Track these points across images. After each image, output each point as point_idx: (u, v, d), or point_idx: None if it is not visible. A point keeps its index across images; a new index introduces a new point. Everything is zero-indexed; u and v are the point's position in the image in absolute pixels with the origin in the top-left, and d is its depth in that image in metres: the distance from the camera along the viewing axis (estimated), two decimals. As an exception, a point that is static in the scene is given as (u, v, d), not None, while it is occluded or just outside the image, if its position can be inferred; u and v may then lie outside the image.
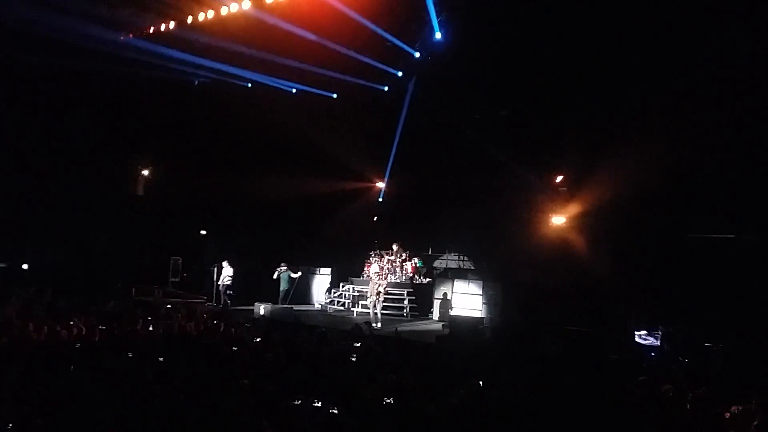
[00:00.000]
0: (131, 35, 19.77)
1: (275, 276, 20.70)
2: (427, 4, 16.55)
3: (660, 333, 13.74)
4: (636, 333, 14.14)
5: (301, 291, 22.05)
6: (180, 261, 23.40)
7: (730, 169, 14.07)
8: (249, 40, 18.39)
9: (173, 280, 22.89)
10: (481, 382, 8.93)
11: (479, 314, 17.69)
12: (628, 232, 15.23)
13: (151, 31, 19.38)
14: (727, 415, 7.75)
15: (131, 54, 19.76)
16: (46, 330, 11.03)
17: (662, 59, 14.21)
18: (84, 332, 11.46)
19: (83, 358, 9.36)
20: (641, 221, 15.16)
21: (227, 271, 21.06)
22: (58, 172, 22.29)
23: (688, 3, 13.50)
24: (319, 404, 7.18)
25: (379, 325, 17.16)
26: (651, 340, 14.01)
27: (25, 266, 22.37)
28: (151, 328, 12.77)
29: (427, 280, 21.20)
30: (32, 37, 17.48)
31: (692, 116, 13.35)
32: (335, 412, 6.86)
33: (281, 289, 20.61)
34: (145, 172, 26.98)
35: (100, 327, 11.99)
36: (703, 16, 13.11)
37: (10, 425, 6.19)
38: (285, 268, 20.83)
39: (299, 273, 21.08)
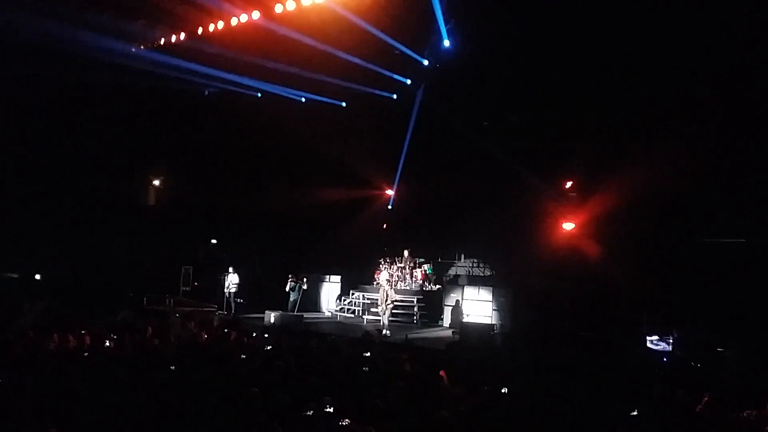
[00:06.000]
0: (142, 47, 19.96)
1: (289, 288, 20.74)
2: (436, 11, 16.61)
3: (672, 338, 13.67)
4: (648, 338, 14.07)
5: (311, 299, 22.09)
6: (191, 270, 23.48)
7: (742, 173, 14.00)
8: (258, 50, 18.51)
9: (184, 289, 22.95)
10: (505, 389, 8.94)
11: (490, 321, 17.65)
12: (639, 238, 15.17)
13: (162, 42, 19.58)
14: (741, 419, 7.71)
15: (142, 65, 19.94)
16: (58, 340, 11.09)
17: (674, 63, 14.18)
18: (96, 342, 11.52)
19: (95, 368, 9.41)
20: (652, 226, 15.09)
21: (232, 278, 21.15)
22: (69, 183, 22.45)
23: (702, 8, 13.46)
24: (331, 410, 7.20)
25: (387, 332, 17.14)
26: (663, 346, 13.95)
27: (37, 276, 22.52)
28: (162, 337, 12.81)
29: (437, 286, 21.18)
30: (45, 50, 17.66)
31: (703, 120, 13.31)
32: (346, 422, 6.86)
33: (291, 299, 20.66)
34: (156, 182, 27.12)
35: (112, 336, 12.06)
36: (717, 19, 13.08)
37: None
38: (304, 279, 20.91)
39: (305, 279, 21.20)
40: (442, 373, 9.81)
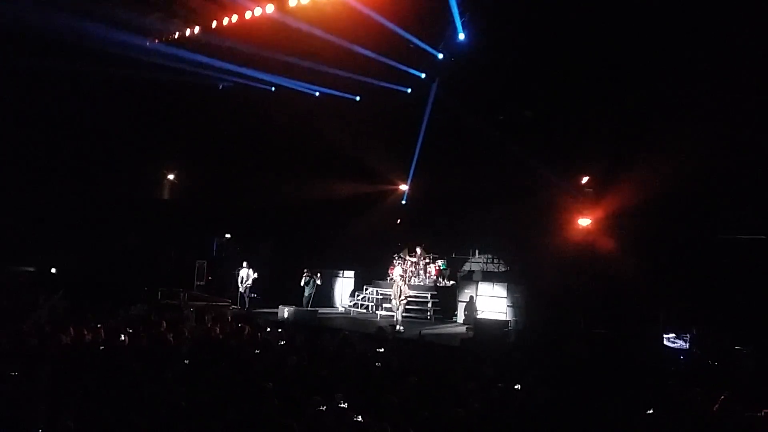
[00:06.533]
0: (157, 41, 20.01)
1: (304, 282, 20.72)
2: (451, 5, 16.50)
3: (689, 336, 13.51)
4: (664, 336, 13.91)
5: (325, 294, 22.11)
6: (205, 264, 23.57)
7: (761, 169, 13.80)
8: (272, 43, 18.49)
9: (198, 283, 23.06)
10: (518, 386, 8.89)
11: (504, 317, 17.55)
12: (656, 234, 15.01)
13: (176, 36, 19.61)
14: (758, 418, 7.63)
15: (157, 59, 20.00)
16: (73, 333, 11.16)
17: (691, 58, 13.99)
18: (111, 336, 11.58)
19: (111, 361, 9.46)
20: (669, 222, 14.93)
21: (249, 273, 21.20)
22: (84, 177, 22.58)
23: (719, 4, 13.28)
24: (345, 405, 7.19)
25: (401, 328, 17.11)
26: (680, 344, 13.78)
27: (53, 270, 22.69)
28: (176, 332, 12.85)
29: (451, 282, 21.10)
30: (60, 43, 17.75)
31: (723, 115, 13.13)
32: (360, 419, 6.85)
33: (305, 294, 20.65)
34: (171, 176, 27.26)
35: (127, 330, 12.12)
36: (735, 16, 12.89)
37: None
38: (318, 274, 20.89)
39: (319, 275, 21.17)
40: None
